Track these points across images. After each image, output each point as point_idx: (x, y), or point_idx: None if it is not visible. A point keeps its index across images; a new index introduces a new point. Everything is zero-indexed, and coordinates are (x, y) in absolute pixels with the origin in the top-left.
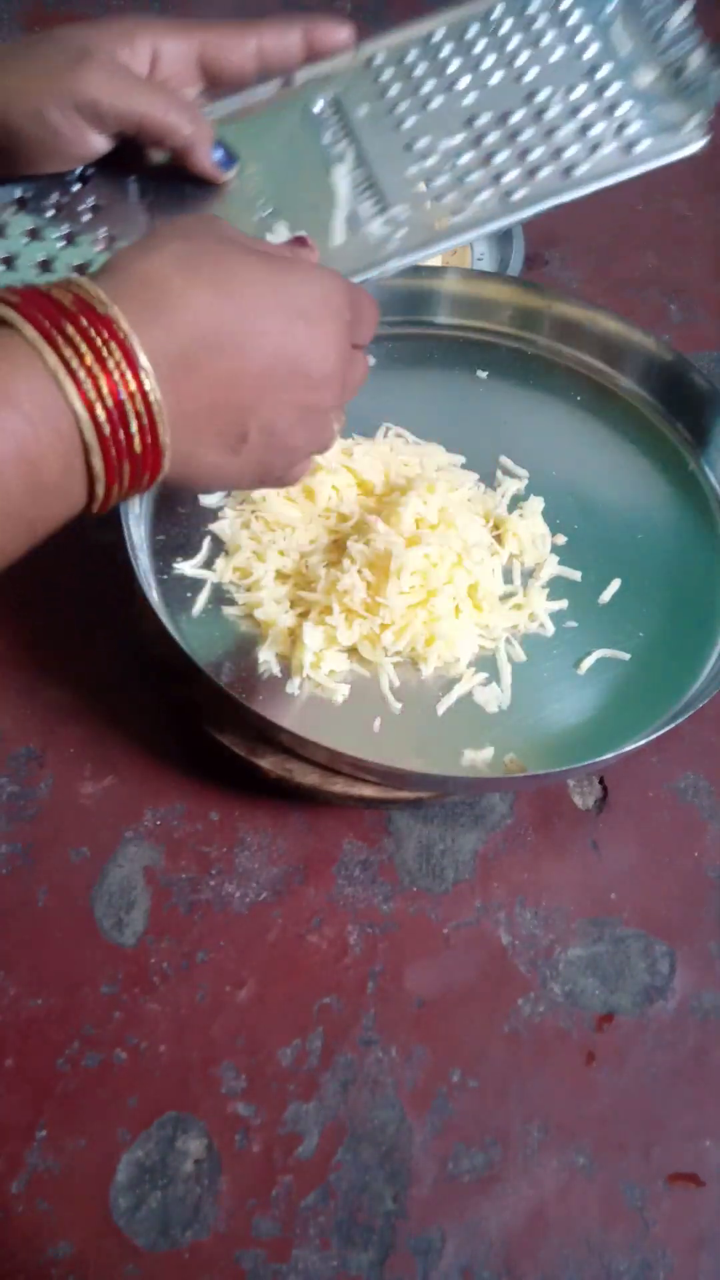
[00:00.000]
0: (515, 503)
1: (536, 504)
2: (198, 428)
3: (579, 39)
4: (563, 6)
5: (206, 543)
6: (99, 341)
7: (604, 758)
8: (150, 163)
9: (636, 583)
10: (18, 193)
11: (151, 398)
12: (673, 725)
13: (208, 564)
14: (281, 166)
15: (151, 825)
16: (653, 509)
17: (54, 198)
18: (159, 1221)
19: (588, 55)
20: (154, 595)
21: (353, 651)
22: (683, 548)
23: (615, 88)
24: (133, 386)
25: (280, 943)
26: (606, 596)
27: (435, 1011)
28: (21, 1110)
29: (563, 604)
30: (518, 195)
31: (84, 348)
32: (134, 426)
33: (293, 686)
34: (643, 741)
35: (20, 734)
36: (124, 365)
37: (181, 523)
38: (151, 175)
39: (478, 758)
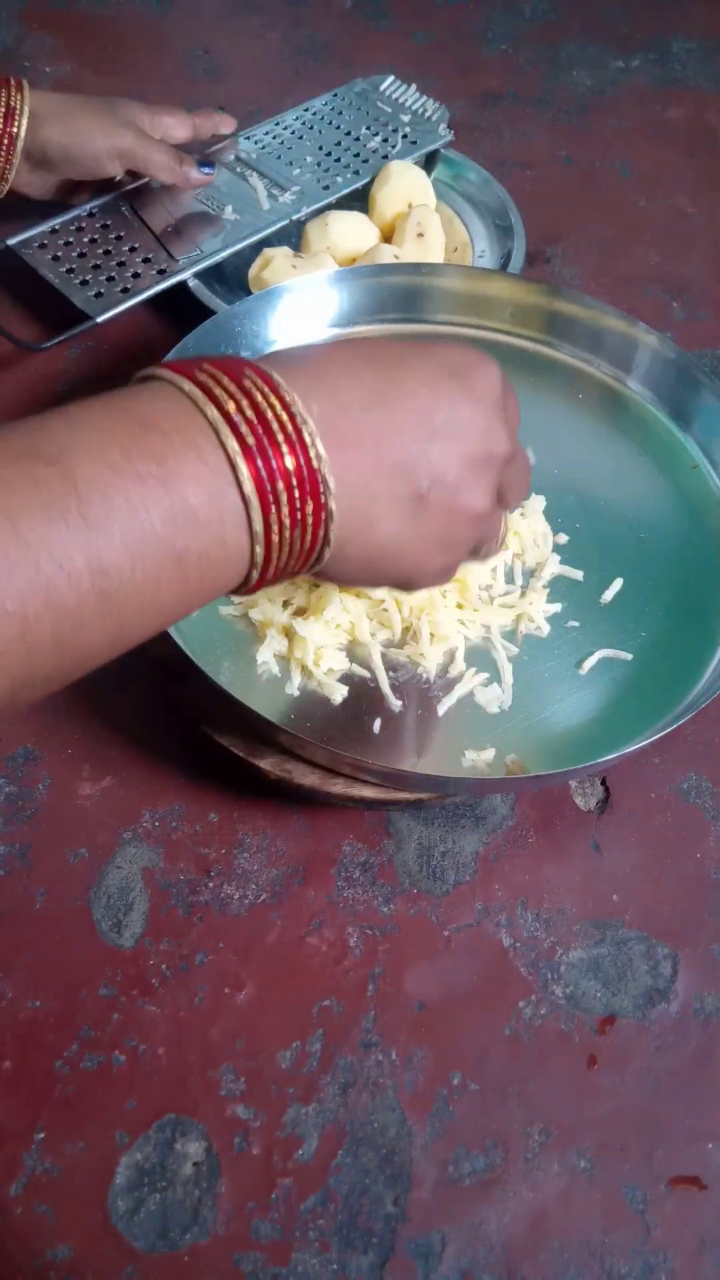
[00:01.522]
0: None
1: (538, 503)
2: (368, 487)
3: (368, 109)
4: (356, 96)
5: None
6: (269, 413)
7: (606, 758)
8: (137, 183)
9: (639, 582)
10: (87, 209)
11: (314, 462)
12: (675, 726)
13: None
14: (225, 178)
15: (150, 826)
16: (655, 508)
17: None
18: (158, 1224)
19: (375, 116)
20: None
21: (351, 649)
22: (685, 547)
23: (396, 122)
24: (299, 458)
25: (280, 945)
26: (608, 596)
27: (436, 1014)
28: (20, 1113)
29: (557, 607)
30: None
31: (253, 417)
32: (296, 493)
33: (292, 687)
34: (645, 742)
35: (18, 734)
36: (291, 432)
37: None
38: (134, 196)
39: (479, 759)
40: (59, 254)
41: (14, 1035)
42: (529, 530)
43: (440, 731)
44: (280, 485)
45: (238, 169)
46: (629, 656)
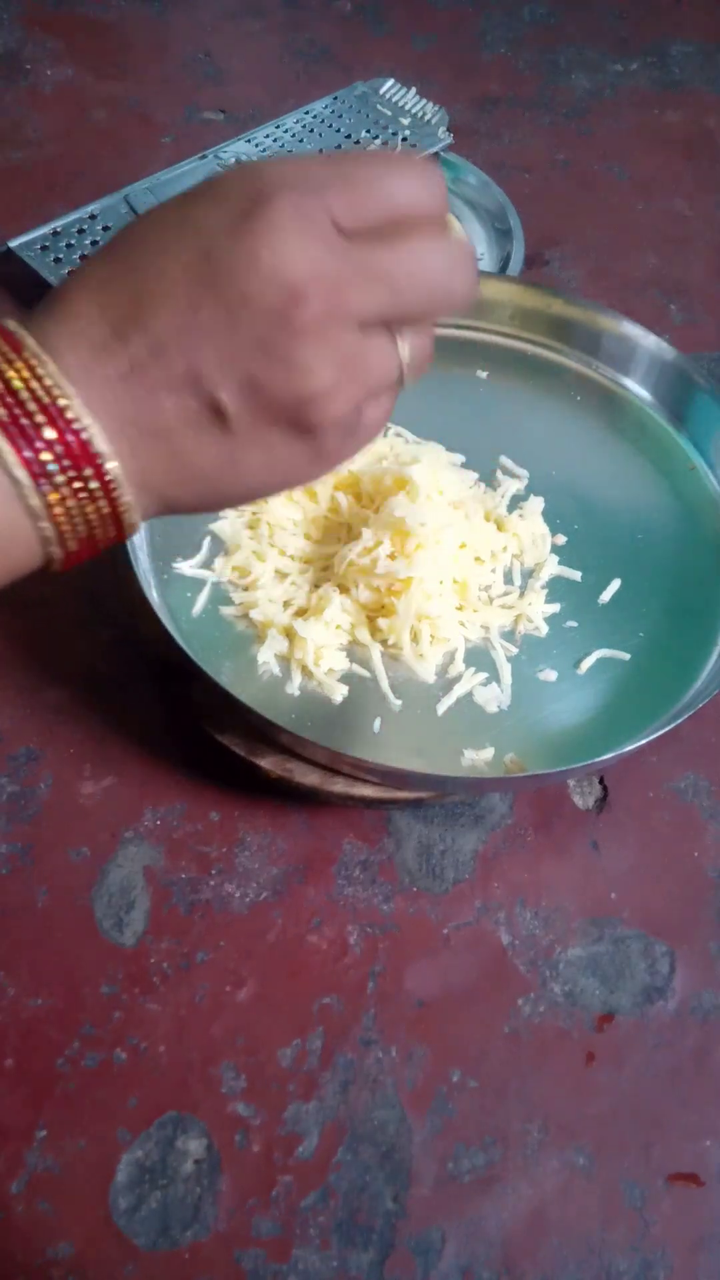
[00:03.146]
0: (515, 503)
1: (536, 504)
2: (155, 424)
3: (367, 113)
4: (356, 99)
5: (206, 542)
6: (18, 383)
7: (604, 758)
8: None
9: (636, 582)
10: (89, 211)
11: (79, 429)
12: (673, 725)
13: (207, 564)
14: None
15: (151, 825)
16: (653, 509)
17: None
18: (159, 1222)
19: (375, 119)
20: (154, 595)
21: (351, 649)
22: (682, 548)
23: (396, 125)
24: (60, 428)
25: (280, 943)
26: (606, 596)
27: (435, 1011)
28: (21, 1110)
29: (556, 607)
30: None
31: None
32: (69, 463)
33: (292, 686)
34: (643, 741)
35: (20, 734)
36: (47, 402)
37: (181, 523)
38: (134, 198)
39: (478, 758)
40: (60, 256)
41: (16, 1033)
42: (528, 531)
43: (440, 731)
44: (49, 458)
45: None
46: (627, 656)
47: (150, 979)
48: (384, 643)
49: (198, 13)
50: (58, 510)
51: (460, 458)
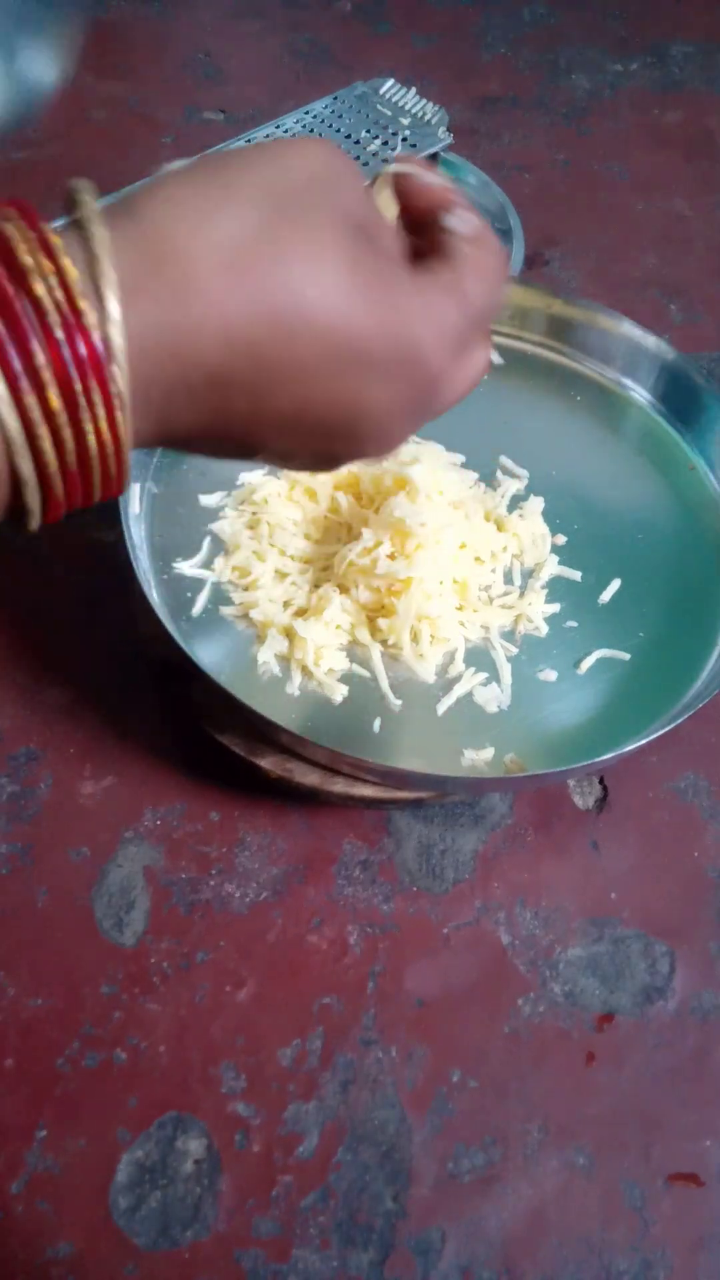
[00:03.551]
0: (515, 503)
1: (536, 504)
2: (244, 328)
3: (367, 113)
4: (356, 99)
5: (206, 543)
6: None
7: (604, 758)
8: None
9: (637, 582)
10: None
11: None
12: (673, 725)
13: (207, 564)
14: None
15: (151, 825)
16: (653, 509)
17: None
18: (159, 1221)
19: (375, 119)
20: (154, 595)
21: (351, 649)
22: (683, 548)
23: (396, 125)
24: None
25: (280, 943)
26: (606, 596)
27: (435, 1011)
28: (21, 1110)
29: (556, 607)
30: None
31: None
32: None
33: (292, 686)
34: (643, 741)
35: (20, 734)
36: (68, 311)
37: (181, 523)
38: None
39: (478, 758)
40: None
41: (16, 1033)
42: (527, 531)
43: (440, 731)
44: (50, 376)
45: None
46: (627, 656)
47: (150, 979)
48: (384, 643)
49: (198, 13)
50: (55, 409)
51: (460, 458)
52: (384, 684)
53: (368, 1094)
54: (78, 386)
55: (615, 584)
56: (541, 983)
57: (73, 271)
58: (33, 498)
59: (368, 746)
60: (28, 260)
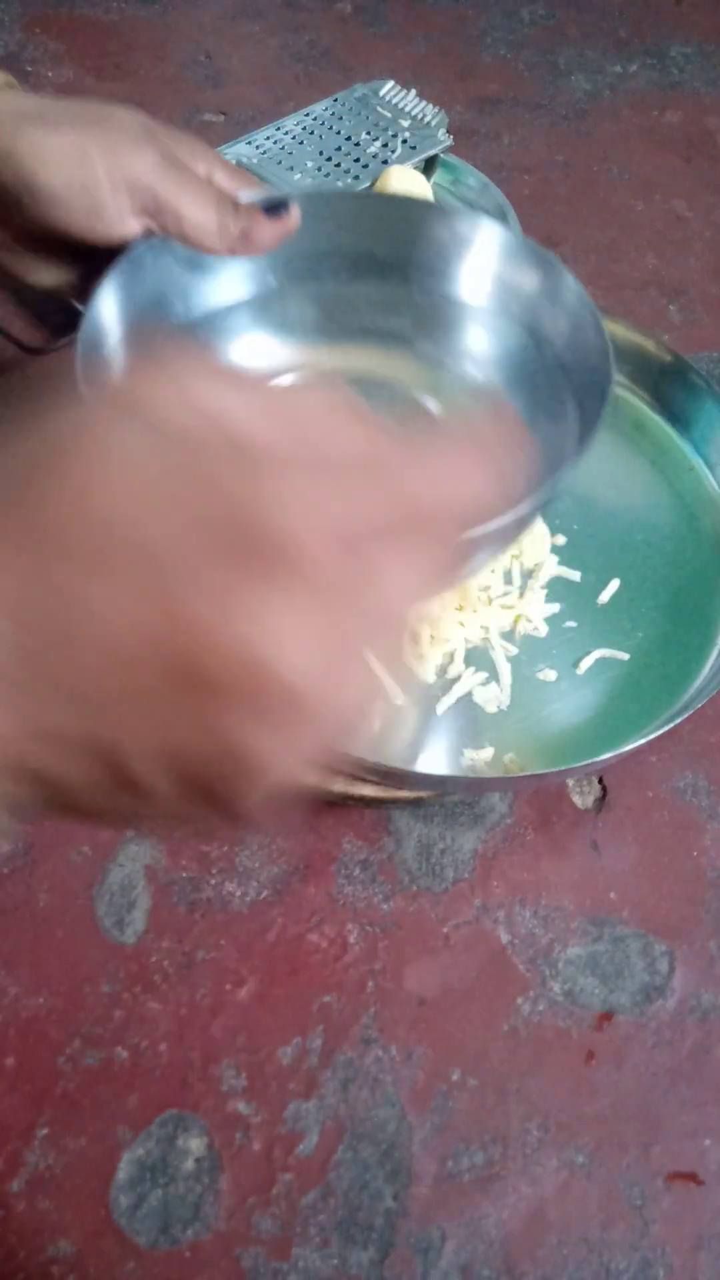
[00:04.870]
0: None
1: None
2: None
3: (367, 115)
4: (356, 101)
5: None
6: None
7: (603, 757)
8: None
9: (636, 583)
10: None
11: None
12: (672, 725)
13: None
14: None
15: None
16: (652, 509)
17: None
18: (159, 1220)
19: (375, 121)
20: None
21: None
22: (681, 548)
23: (396, 127)
24: None
25: (280, 942)
26: (605, 597)
27: (435, 1010)
28: (22, 1109)
29: (555, 607)
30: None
31: None
32: None
33: None
34: (642, 741)
35: None
36: None
37: None
38: None
39: (477, 757)
40: None
41: (17, 1032)
42: (527, 531)
43: (439, 731)
44: None
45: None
46: (626, 656)
47: (151, 978)
48: None
49: (198, 14)
50: None
51: None
52: (384, 684)
53: (368, 1093)
54: None
55: (614, 584)
56: (541, 982)
57: None
58: None
59: (368, 746)
60: None
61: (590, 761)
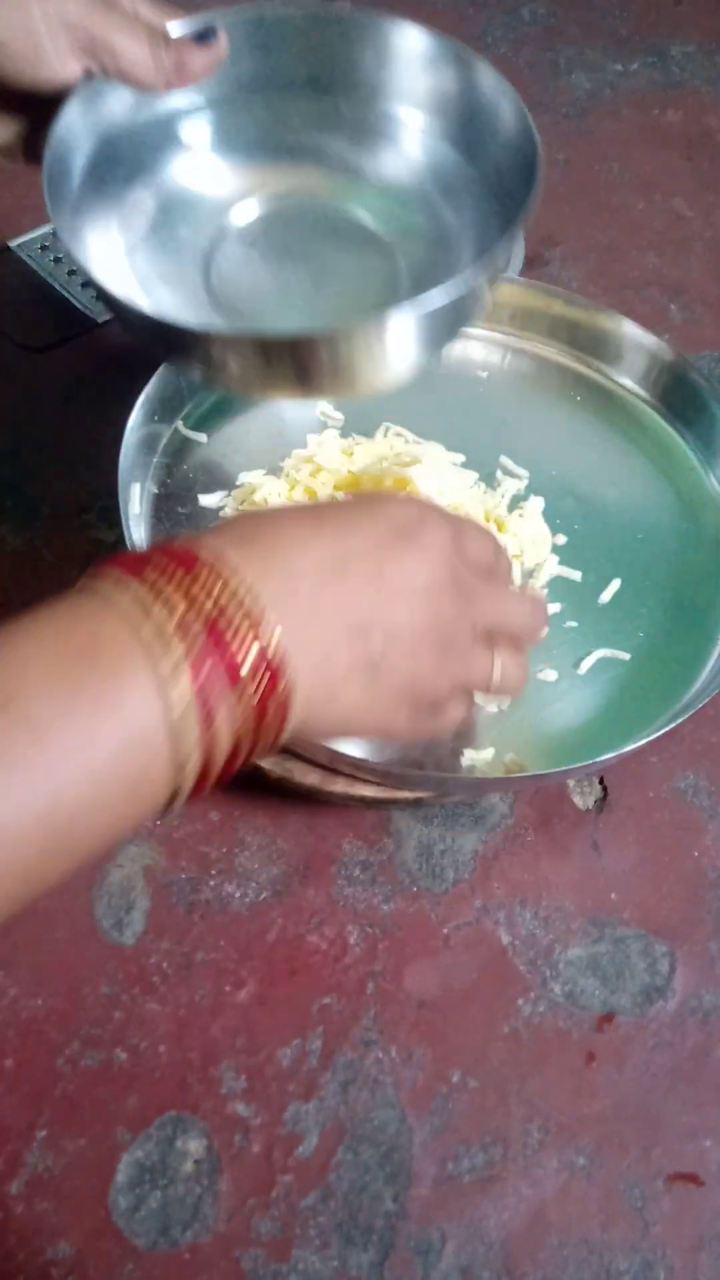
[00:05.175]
0: (515, 503)
1: (536, 504)
2: (327, 659)
3: None
4: None
5: None
6: (220, 611)
7: (604, 758)
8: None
9: (636, 583)
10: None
11: (272, 652)
12: (673, 725)
13: None
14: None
15: (151, 825)
16: (653, 509)
17: None
18: (159, 1221)
19: None
20: None
21: None
22: (683, 548)
23: None
24: (257, 652)
25: (280, 943)
26: (606, 596)
27: (435, 1012)
28: (21, 1110)
29: (556, 607)
30: None
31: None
32: (253, 688)
33: None
34: (643, 741)
35: None
36: (245, 629)
37: (181, 523)
38: None
39: (478, 758)
40: (60, 256)
41: (16, 1033)
42: (527, 531)
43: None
44: (224, 687)
45: None
46: (627, 656)
47: (150, 979)
48: None
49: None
50: (221, 719)
51: (460, 458)
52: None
53: (368, 1094)
54: (259, 681)
55: (615, 584)
56: (541, 983)
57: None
58: (187, 778)
59: (368, 746)
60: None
61: (591, 762)
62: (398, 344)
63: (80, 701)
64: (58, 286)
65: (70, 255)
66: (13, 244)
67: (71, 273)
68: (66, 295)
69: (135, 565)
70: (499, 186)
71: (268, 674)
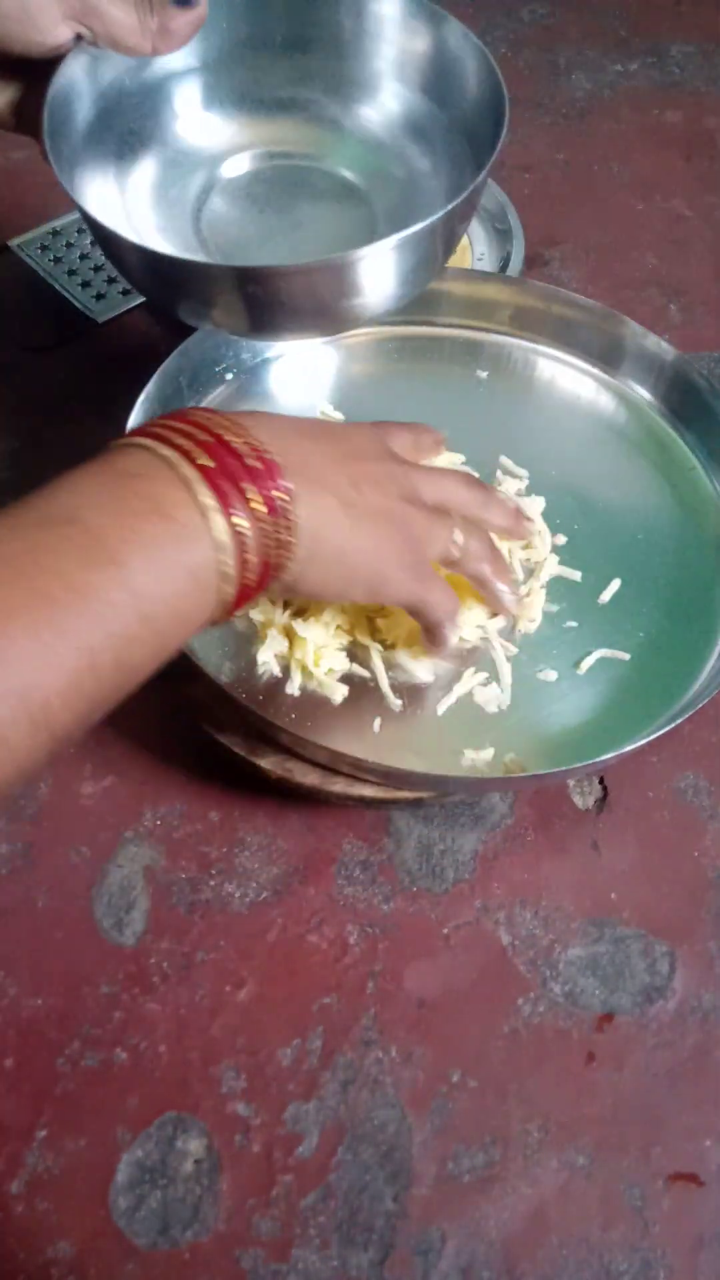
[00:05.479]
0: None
1: (536, 504)
2: (316, 501)
3: None
4: None
5: None
6: (235, 444)
7: (604, 758)
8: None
9: (637, 583)
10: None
11: (278, 475)
12: (673, 725)
13: None
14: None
15: (151, 825)
16: (653, 509)
17: None
18: (159, 1221)
19: None
20: None
21: (351, 649)
22: (683, 548)
23: None
24: (266, 477)
25: (280, 943)
26: (606, 596)
27: (435, 1011)
28: (21, 1110)
29: (556, 607)
30: None
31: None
32: (265, 507)
33: (292, 686)
34: (643, 741)
35: None
36: (255, 460)
37: None
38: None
39: (478, 758)
40: (60, 256)
41: (16, 1033)
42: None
43: (439, 731)
44: (243, 501)
45: None
46: (627, 656)
47: (150, 979)
48: (383, 643)
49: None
50: (249, 538)
51: (460, 457)
52: (384, 684)
53: (368, 1094)
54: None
55: (615, 584)
56: (541, 983)
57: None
58: (229, 589)
59: (368, 746)
60: (241, 446)
61: (591, 762)
62: (373, 278)
63: (132, 507)
64: (58, 286)
65: (75, 204)
66: (13, 244)
67: (71, 273)
68: (66, 295)
69: (153, 429)
70: (470, 133)
71: (261, 464)
